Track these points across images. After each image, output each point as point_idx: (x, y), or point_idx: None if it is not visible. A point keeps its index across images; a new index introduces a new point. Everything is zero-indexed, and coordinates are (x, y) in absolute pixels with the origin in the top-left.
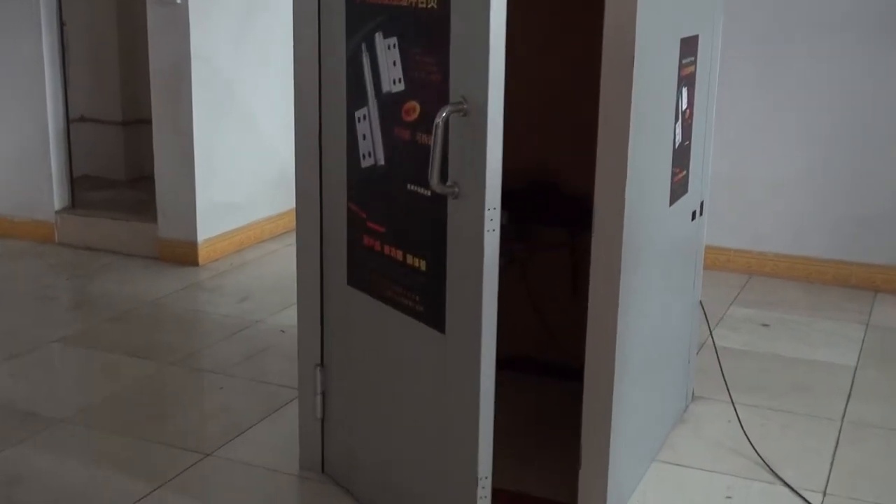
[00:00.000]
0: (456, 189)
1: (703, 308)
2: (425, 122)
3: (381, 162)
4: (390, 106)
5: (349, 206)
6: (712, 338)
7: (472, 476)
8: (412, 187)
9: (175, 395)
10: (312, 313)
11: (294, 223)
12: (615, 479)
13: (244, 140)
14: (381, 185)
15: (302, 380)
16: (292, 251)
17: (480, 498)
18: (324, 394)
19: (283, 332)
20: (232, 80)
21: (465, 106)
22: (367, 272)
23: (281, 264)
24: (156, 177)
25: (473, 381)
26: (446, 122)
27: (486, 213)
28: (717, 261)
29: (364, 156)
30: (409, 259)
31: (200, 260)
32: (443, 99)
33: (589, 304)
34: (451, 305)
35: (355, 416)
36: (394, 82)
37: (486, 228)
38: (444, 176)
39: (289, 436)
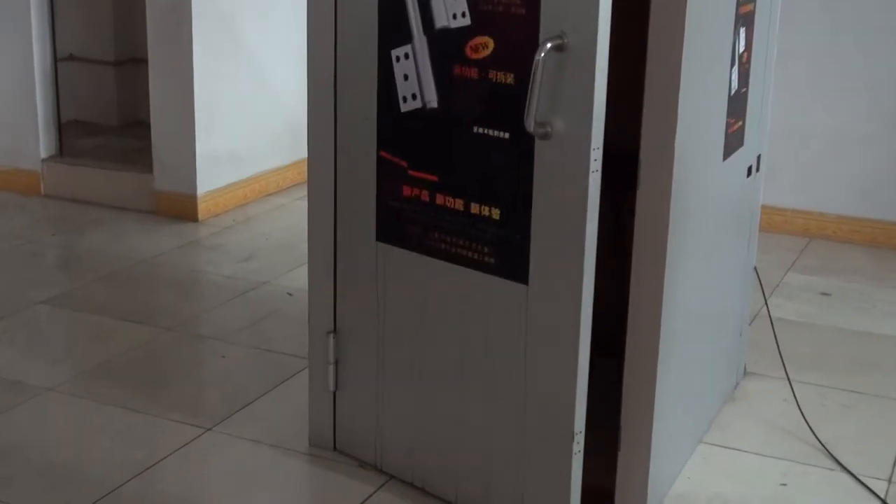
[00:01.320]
0: (549, 129)
1: (757, 274)
2: (501, 59)
3: (433, 104)
4: (448, 42)
5: (381, 155)
6: (767, 308)
7: (566, 432)
8: (481, 130)
9: (172, 363)
10: (325, 274)
11: (304, 175)
12: (658, 463)
13: (250, 83)
14: (433, 130)
15: (312, 348)
16: (302, 206)
17: (575, 454)
18: (337, 363)
19: (290, 294)
20: (236, 17)
21: (564, 41)
22: (407, 226)
23: (289, 220)
24: (152, 123)
25: (570, 332)
26: (545, 59)
27: (591, 152)
28: (774, 222)
29: (405, 98)
30: (476, 208)
31: (200, 215)
32: (526, 34)
33: (632, 270)
34: (538, 255)
35: (386, 387)
36: (454, 16)
37: (590, 169)
38: (536, 117)
39: (297, 410)
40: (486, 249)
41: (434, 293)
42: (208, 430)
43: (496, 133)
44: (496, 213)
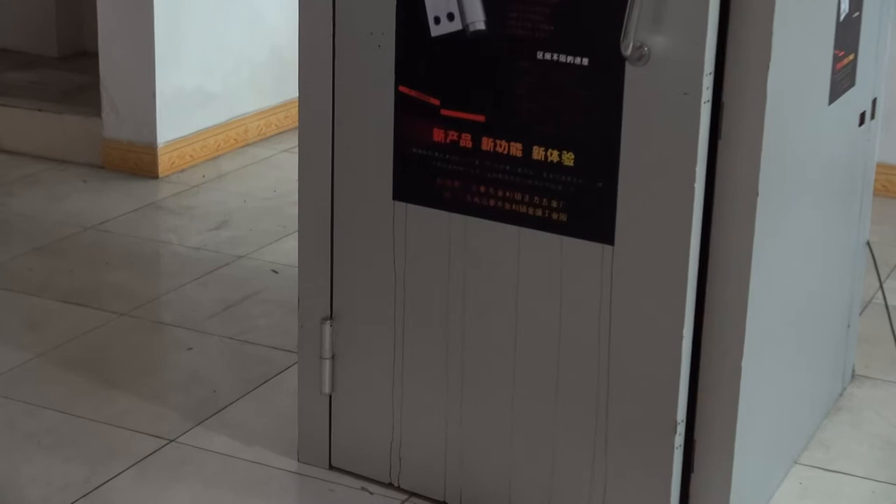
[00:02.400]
0: (646, 50)
1: (870, 251)
2: None
3: (479, 26)
4: None
5: (400, 92)
6: (883, 293)
7: (666, 422)
8: (548, 56)
9: (125, 357)
10: (320, 245)
11: (294, 119)
12: (741, 487)
13: (224, 6)
14: (478, 58)
15: (303, 339)
16: (291, 159)
17: (676, 447)
18: (334, 359)
19: (276, 272)
20: None
21: None
22: (438, 179)
23: (274, 177)
24: (100, 54)
25: (670, 301)
26: None
27: (704, 79)
28: (893, 184)
29: (437, 19)
30: (540, 153)
31: (161, 170)
32: None
33: (711, 245)
34: (627, 206)
35: (407, 387)
36: None
37: (702, 99)
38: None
39: (283, 417)
40: (554, 204)
41: (478, 263)
42: (170, 441)
43: (570, 59)
44: (569, 158)
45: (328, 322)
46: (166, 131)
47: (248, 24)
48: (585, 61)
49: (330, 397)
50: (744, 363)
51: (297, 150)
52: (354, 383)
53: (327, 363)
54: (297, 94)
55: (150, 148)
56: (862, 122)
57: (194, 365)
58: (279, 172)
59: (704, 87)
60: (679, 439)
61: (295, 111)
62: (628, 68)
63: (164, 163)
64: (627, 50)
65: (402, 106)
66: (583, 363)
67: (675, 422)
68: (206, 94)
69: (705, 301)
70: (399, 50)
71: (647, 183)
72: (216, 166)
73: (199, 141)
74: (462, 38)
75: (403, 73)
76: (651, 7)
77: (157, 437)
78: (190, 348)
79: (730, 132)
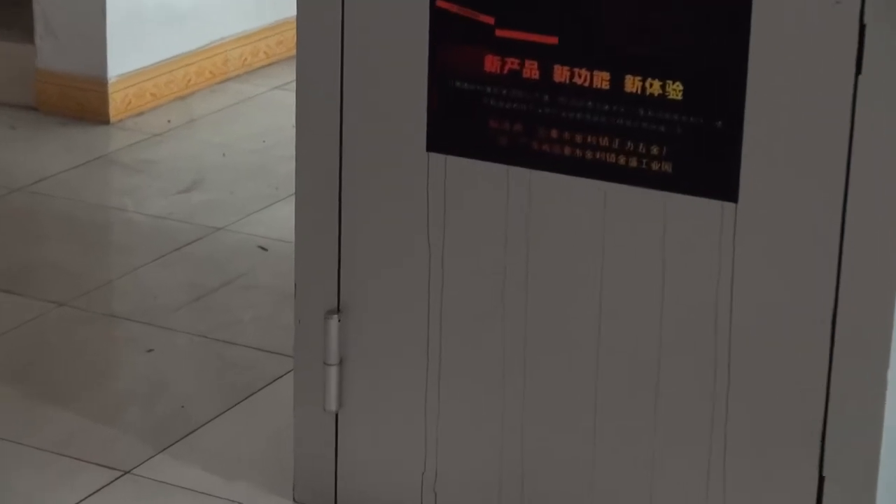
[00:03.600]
0: None
1: None
2: None
3: None
4: None
5: (437, 7)
6: None
7: (807, 427)
8: None
9: (67, 361)
10: (324, 214)
11: (289, 46)
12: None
13: None
14: None
15: (301, 339)
16: (285, 98)
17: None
18: (342, 365)
19: (264, 249)
20: None
21: None
22: (492, 120)
23: (263, 123)
24: None
25: (815, 279)
26: None
27: None
28: None
29: None
30: (635, 84)
31: (114, 113)
32: None
33: (847, 205)
34: (756, 155)
35: (446, 402)
36: None
37: (860, 11)
38: None
39: (274, 441)
40: (654, 150)
41: (546, 232)
42: (126, 473)
43: None
44: (676, 90)
45: (335, 316)
46: (120, 61)
47: None
48: None
49: (336, 416)
50: (889, 375)
51: (293, 86)
52: (370, 397)
53: (333, 371)
54: (293, 12)
55: (99, 83)
56: None
57: (157, 372)
58: (269, 117)
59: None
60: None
61: (291, 34)
62: None
63: (116, 103)
64: None
65: (442, 27)
66: (694, 359)
67: (818, 428)
68: (172, 11)
69: (840, 277)
70: None
71: (782, 121)
72: (186, 108)
73: (164, 74)
74: None
75: None
76: None
77: (109, 467)
78: (151, 350)
79: (875, 65)
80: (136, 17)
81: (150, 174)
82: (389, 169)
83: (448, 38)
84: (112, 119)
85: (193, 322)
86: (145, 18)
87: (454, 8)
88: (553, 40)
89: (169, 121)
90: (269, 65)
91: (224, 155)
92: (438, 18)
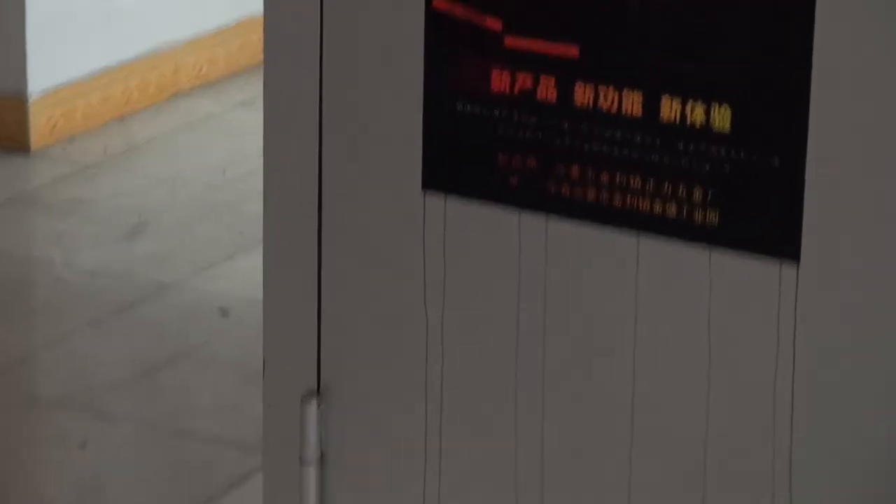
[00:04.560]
0: None
1: None
2: None
3: None
4: None
5: (435, 10)
6: None
7: None
8: None
9: None
10: (299, 268)
11: (255, 52)
12: None
13: None
14: None
15: (271, 429)
16: (249, 119)
17: None
18: (323, 462)
19: (224, 312)
20: None
21: None
22: (500, 154)
23: (222, 150)
24: None
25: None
26: None
27: None
28: None
29: None
30: (672, 110)
31: (36, 138)
32: None
33: None
34: (822, 203)
35: None
36: None
37: None
38: None
39: None
40: (696, 194)
41: (566, 292)
42: None
43: None
44: (724, 118)
45: (314, 401)
46: (43, 72)
47: None
48: None
49: None
50: None
51: (260, 103)
52: (357, 502)
53: (311, 471)
54: (260, 9)
55: (17, 101)
56: None
57: (90, 470)
58: (231, 142)
59: None
60: None
61: (257, 37)
62: None
63: (39, 126)
64: None
65: (439, 32)
66: (748, 451)
67: None
68: (108, 9)
69: None
70: None
71: (854, 159)
72: (126, 131)
73: (99, 88)
74: None
75: None
76: None
77: None
78: (83, 444)
79: None
80: (63, 17)
81: (81, 217)
82: (379, 212)
83: (447, 47)
84: (34, 147)
85: (137, 407)
86: (75, 19)
87: (454, 9)
88: (574, 52)
89: (106, 149)
90: (230, 76)
91: (174, 191)
92: (435, 23)
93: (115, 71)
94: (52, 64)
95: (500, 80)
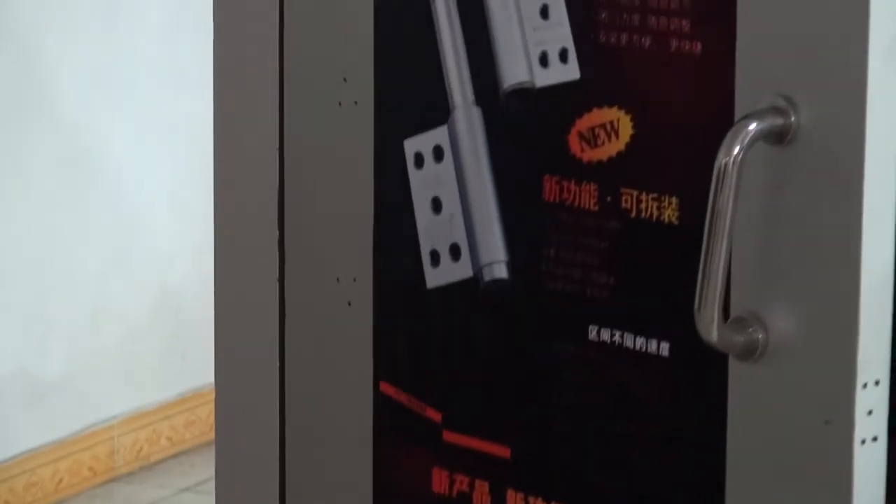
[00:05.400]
0: (757, 335)
1: None
2: (646, 161)
3: (500, 272)
4: (530, 121)
5: (381, 393)
6: None
7: None
8: (606, 336)
9: None
10: None
11: (204, 429)
12: None
13: (78, 222)
14: (499, 332)
15: None
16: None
17: None
18: None
19: None
20: (39, 36)
21: (790, 119)
22: None
23: None
24: None
25: None
26: (741, 166)
27: (856, 406)
28: None
29: (435, 258)
30: None
31: None
32: (704, 101)
33: None
34: None
35: None
36: (544, 60)
37: (856, 439)
38: (724, 308)
39: None
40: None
41: None
42: None
43: (640, 344)
44: None
45: None
46: None
47: (119, 258)
48: (665, 349)
49: None
50: None
51: (210, 486)
52: None
53: None
54: (210, 381)
55: None
56: None
57: None
58: None
59: (857, 419)
60: None
61: (204, 411)
62: (734, 365)
63: None
64: (711, 334)
65: (385, 418)
66: None
67: None
68: (33, 381)
69: None
70: (378, 315)
71: None
72: None
73: (23, 473)
74: (474, 292)
75: (385, 357)
76: (764, 251)
77: None
78: None
79: None
80: None
81: None
82: None
83: (392, 436)
84: None
85: None
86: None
87: (399, 395)
88: (505, 452)
89: None
90: (176, 455)
91: None
92: (382, 406)
93: (41, 452)
94: None
95: (440, 481)
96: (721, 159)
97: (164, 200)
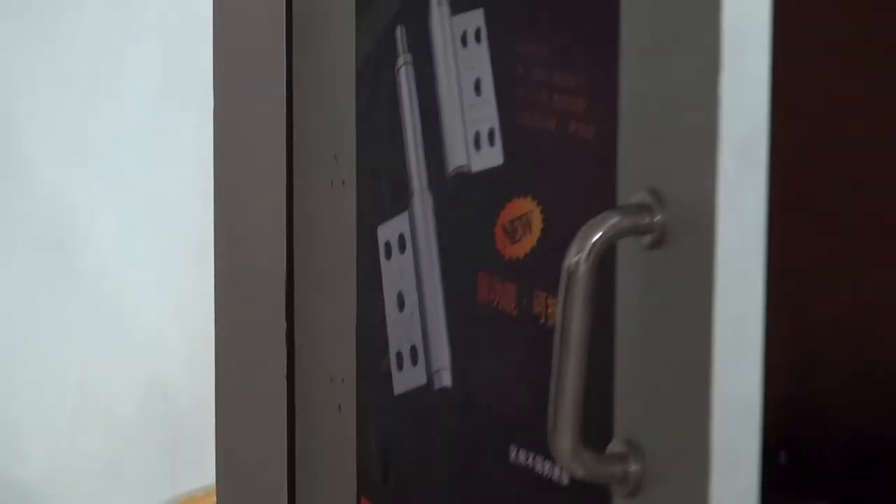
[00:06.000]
0: (626, 467)
1: None
2: (556, 255)
3: (444, 379)
4: (467, 210)
5: None
6: None
7: None
8: (521, 458)
9: None
10: None
11: None
12: None
13: (60, 315)
14: (448, 449)
15: None
16: None
17: None
18: None
19: None
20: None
21: (654, 218)
22: None
23: None
24: None
25: None
26: (596, 267)
27: None
28: None
29: (399, 359)
30: None
31: None
32: (598, 192)
33: None
34: None
35: None
36: (476, 142)
37: None
38: (584, 432)
39: None
40: None
41: None
42: None
43: (547, 470)
44: None
45: None
46: None
47: (108, 351)
48: (565, 478)
49: None
50: None
51: None
52: None
53: None
54: (209, 482)
55: None
56: None
57: None
58: None
59: None
60: None
61: None
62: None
63: None
64: (564, 456)
65: None
66: None
67: None
68: (7, 486)
69: None
70: (360, 420)
71: None
72: None
73: None
74: (429, 399)
75: (364, 470)
76: (631, 372)
77: None
78: None
79: None
80: None
81: None
82: None
83: None
84: None
85: None
86: None
87: None
88: None
89: None
90: None
91: None
92: None
93: None
94: None
95: None
96: (570, 258)
97: (152, 283)
